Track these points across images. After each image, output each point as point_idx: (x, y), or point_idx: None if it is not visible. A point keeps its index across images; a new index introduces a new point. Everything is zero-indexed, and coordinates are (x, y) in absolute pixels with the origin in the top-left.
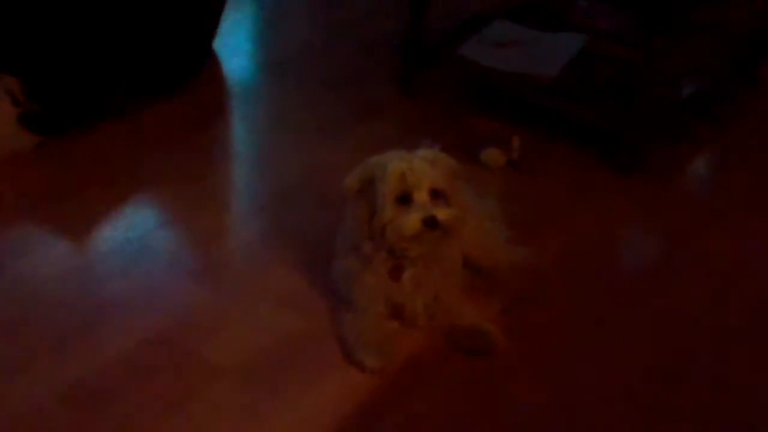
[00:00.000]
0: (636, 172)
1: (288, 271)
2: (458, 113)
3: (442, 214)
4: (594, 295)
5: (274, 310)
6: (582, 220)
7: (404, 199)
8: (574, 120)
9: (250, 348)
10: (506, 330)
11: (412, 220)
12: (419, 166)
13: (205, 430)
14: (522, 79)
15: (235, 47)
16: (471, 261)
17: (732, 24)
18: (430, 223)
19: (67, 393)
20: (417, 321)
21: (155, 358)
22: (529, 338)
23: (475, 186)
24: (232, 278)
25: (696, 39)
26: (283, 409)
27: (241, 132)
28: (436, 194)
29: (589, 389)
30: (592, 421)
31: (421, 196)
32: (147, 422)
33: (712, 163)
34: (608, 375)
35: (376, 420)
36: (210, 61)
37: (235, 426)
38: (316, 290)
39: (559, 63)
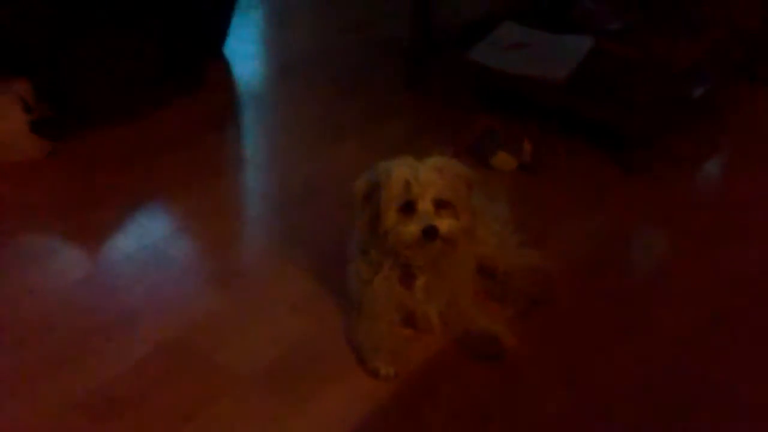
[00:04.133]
0: (645, 172)
1: (302, 276)
2: (469, 116)
3: (444, 225)
4: (607, 297)
5: (289, 315)
6: (594, 222)
7: (408, 208)
8: (585, 121)
9: (265, 354)
10: (520, 334)
11: (411, 230)
12: (425, 174)
13: None
14: (532, 82)
15: (244, 51)
16: (484, 265)
17: (737, 21)
18: (430, 233)
19: (84, 401)
20: (431, 328)
21: (171, 365)
22: (543, 341)
23: (486, 190)
24: (246, 284)
25: (702, 37)
26: (298, 414)
27: (251, 136)
28: (441, 204)
29: (605, 391)
30: (610, 423)
31: (425, 205)
32: (163, 430)
33: (721, 162)
34: (624, 376)
35: (389, 426)
36: (220, 64)
37: None
38: (330, 295)
39: (569, 65)
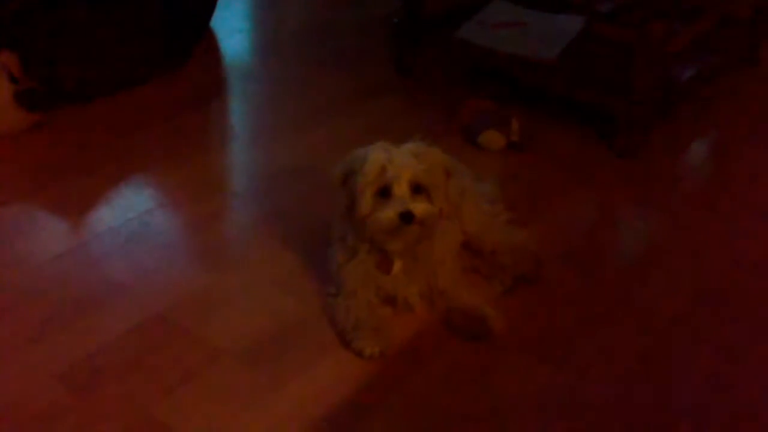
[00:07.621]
0: (634, 154)
1: (285, 253)
2: (457, 94)
3: (419, 209)
4: (593, 277)
5: (272, 292)
6: (581, 202)
7: (384, 192)
8: (573, 102)
9: (248, 330)
10: (505, 312)
11: (388, 215)
12: (400, 158)
13: (202, 411)
14: (521, 61)
15: (232, 26)
16: (471, 243)
17: (731, 5)
18: (406, 217)
19: (66, 373)
20: (412, 308)
21: (153, 339)
22: (529, 320)
23: (474, 168)
24: (230, 259)
25: (695, 20)
26: (281, 391)
27: (238, 112)
28: (417, 189)
29: (589, 371)
30: (592, 401)
31: (401, 189)
32: (145, 402)
33: (710, 146)
34: (608, 356)
35: (375, 403)
36: (207, 39)
37: (233, 408)
38: (314, 273)
39: (559, 45)
